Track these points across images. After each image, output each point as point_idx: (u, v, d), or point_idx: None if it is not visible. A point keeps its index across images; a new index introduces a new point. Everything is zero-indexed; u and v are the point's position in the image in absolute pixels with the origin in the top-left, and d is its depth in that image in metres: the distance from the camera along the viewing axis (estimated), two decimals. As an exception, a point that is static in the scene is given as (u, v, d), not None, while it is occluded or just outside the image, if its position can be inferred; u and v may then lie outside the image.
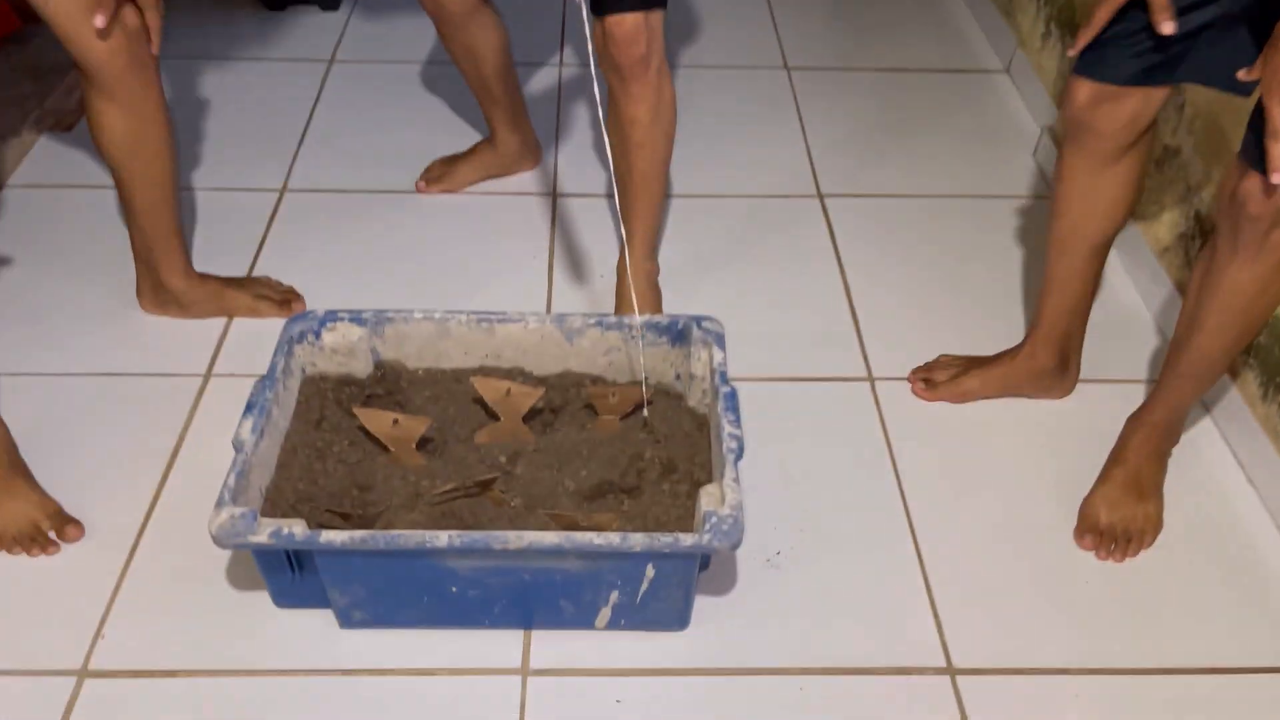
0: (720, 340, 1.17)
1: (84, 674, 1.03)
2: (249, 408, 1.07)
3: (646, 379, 1.21)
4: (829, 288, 1.52)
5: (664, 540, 0.97)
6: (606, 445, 1.16)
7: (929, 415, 1.33)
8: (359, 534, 0.96)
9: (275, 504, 1.07)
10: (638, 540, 0.97)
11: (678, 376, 1.21)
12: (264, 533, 0.96)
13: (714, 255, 1.58)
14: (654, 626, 1.09)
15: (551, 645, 1.07)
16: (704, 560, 1.11)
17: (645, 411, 1.18)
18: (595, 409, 1.17)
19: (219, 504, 0.98)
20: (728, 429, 1.07)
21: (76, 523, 1.15)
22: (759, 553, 1.17)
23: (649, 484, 1.12)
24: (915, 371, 1.37)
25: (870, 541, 1.18)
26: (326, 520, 1.05)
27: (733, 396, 1.11)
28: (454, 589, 1.03)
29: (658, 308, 1.42)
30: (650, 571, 1.02)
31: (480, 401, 1.16)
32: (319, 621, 1.08)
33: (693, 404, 1.20)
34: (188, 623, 1.08)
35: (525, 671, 1.05)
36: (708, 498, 1.01)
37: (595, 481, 1.12)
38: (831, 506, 1.22)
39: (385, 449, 1.13)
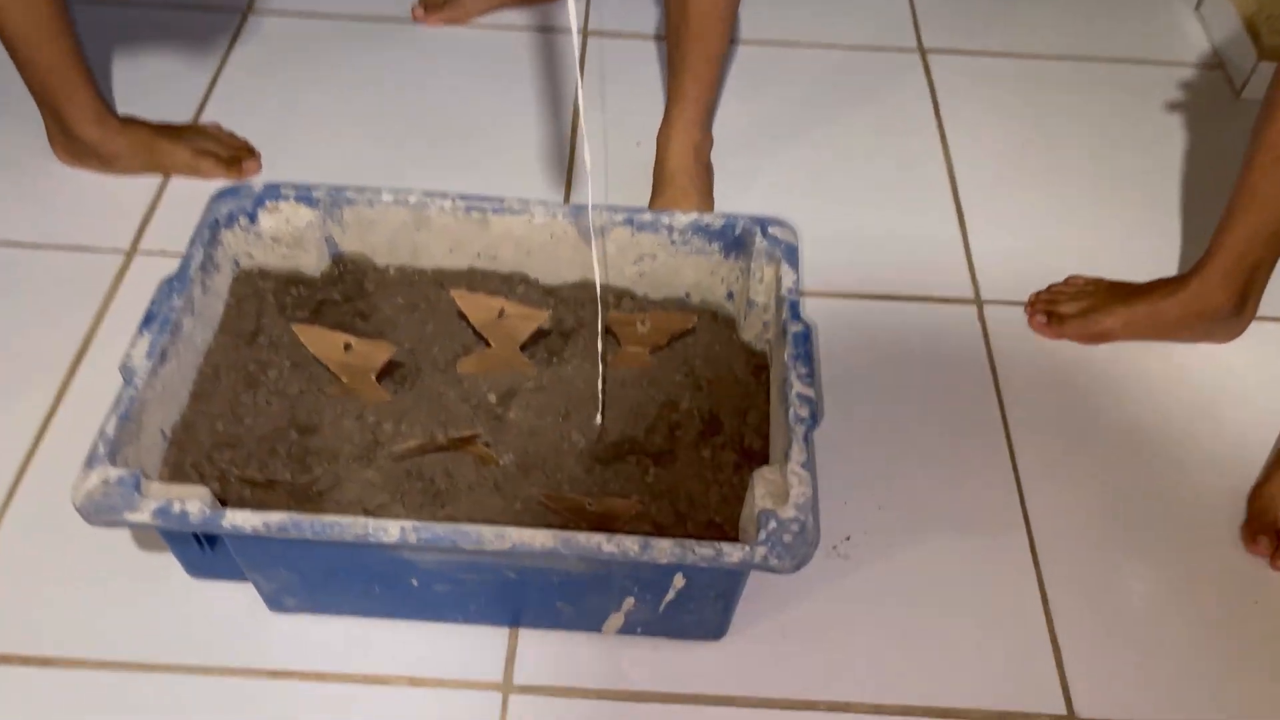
0: (792, 255, 0.86)
1: (-64, 654, 0.80)
2: (147, 320, 0.79)
3: (688, 297, 0.92)
4: (927, 174, 1.19)
5: (701, 552, 0.69)
6: (631, 388, 0.87)
7: (1051, 357, 1.03)
8: (278, 519, 0.69)
9: (184, 451, 0.80)
10: (664, 551, 0.69)
11: (730, 295, 0.91)
12: (146, 510, 0.69)
13: (783, 125, 1.24)
14: (680, 636, 0.82)
15: (543, 651, 0.82)
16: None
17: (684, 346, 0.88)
18: (618, 337, 0.88)
19: (89, 461, 0.71)
20: (797, 387, 0.77)
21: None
22: (825, 537, 0.89)
23: (684, 447, 0.83)
24: (1036, 298, 1.06)
25: (970, 530, 0.90)
26: (240, 489, 0.78)
27: (805, 338, 0.81)
28: (414, 581, 0.77)
29: (707, 194, 1.10)
30: (679, 581, 0.75)
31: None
32: (244, 598, 0.82)
33: (748, 338, 0.90)
34: (74, 591, 0.83)
35: (507, 687, 0.80)
36: (765, 487, 0.73)
37: (613, 438, 0.84)
38: (919, 478, 0.93)
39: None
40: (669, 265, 0.91)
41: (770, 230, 0.87)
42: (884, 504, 0.91)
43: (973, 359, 1.02)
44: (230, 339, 0.87)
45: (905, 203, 1.16)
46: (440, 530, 0.69)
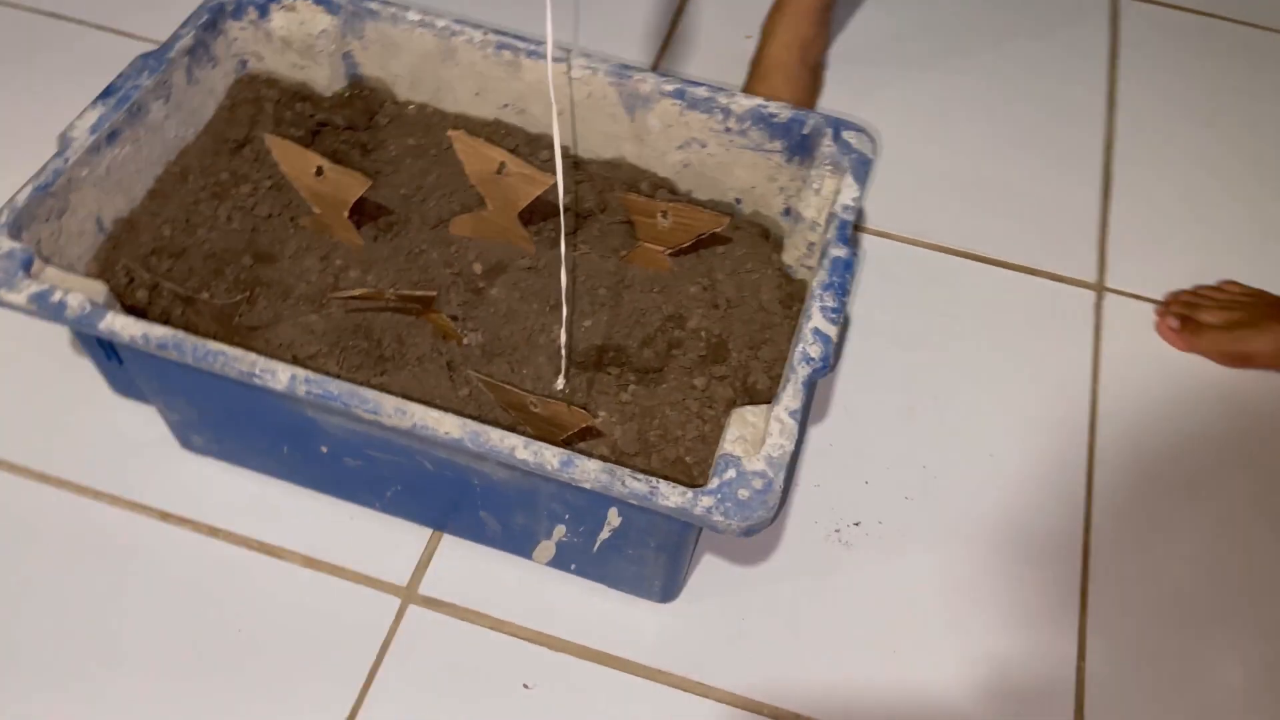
0: (863, 169, 0.70)
1: None
2: (105, 92, 0.70)
3: (739, 204, 0.77)
4: (1080, 129, 0.99)
5: (632, 485, 0.55)
6: (636, 290, 0.73)
7: (1173, 372, 0.83)
8: (160, 333, 0.59)
9: (119, 250, 0.71)
10: (587, 473, 0.56)
11: (788, 212, 0.76)
12: (24, 293, 0.60)
13: (924, 40, 1.06)
14: (619, 586, 0.69)
15: (462, 565, 0.70)
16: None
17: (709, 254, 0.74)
18: (635, 229, 0.74)
19: (-14, 228, 0.62)
20: (815, 320, 0.62)
21: None
22: (828, 516, 0.74)
23: (676, 370, 0.69)
24: (1174, 298, 0.86)
25: (1009, 554, 0.73)
26: (171, 304, 0.68)
27: (845, 267, 0.65)
28: (324, 449, 0.66)
29: (805, 101, 0.94)
30: (614, 519, 0.62)
31: (471, 172, 0.74)
32: (159, 430, 0.73)
33: (789, 260, 0.74)
34: (-4, 380, 0.76)
35: (410, 593, 0.69)
36: (740, 429, 0.58)
37: (598, 341, 0.71)
38: (967, 477, 0.76)
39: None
40: (719, 159, 0.76)
41: (844, 134, 0.71)
42: (914, 496, 0.75)
43: (1073, 354, 0.84)
44: (212, 143, 0.77)
45: (1043, 156, 0.97)
46: (334, 388, 0.58)
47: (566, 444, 0.63)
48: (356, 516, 0.71)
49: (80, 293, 0.60)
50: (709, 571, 0.71)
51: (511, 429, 0.63)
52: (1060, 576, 0.72)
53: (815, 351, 0.61)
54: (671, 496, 0.55)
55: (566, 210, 0.77)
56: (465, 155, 0.72)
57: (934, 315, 0.85)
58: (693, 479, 0.63)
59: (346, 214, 0.72)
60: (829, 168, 0.71)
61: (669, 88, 0.74)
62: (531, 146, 0.79)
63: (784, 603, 0.70)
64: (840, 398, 0.79)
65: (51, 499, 0.71)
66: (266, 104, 0.80)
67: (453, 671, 0.66)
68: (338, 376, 0.65)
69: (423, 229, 0.76)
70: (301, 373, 0.58)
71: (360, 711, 0.64)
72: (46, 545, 0.69)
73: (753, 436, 0.58)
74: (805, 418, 0.59)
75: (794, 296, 0.72)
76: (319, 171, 0.70)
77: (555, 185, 0.69)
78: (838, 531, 0.73)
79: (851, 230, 0.67)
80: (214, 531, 0.70)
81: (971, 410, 0.80)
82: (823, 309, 0.62)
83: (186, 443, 0.72)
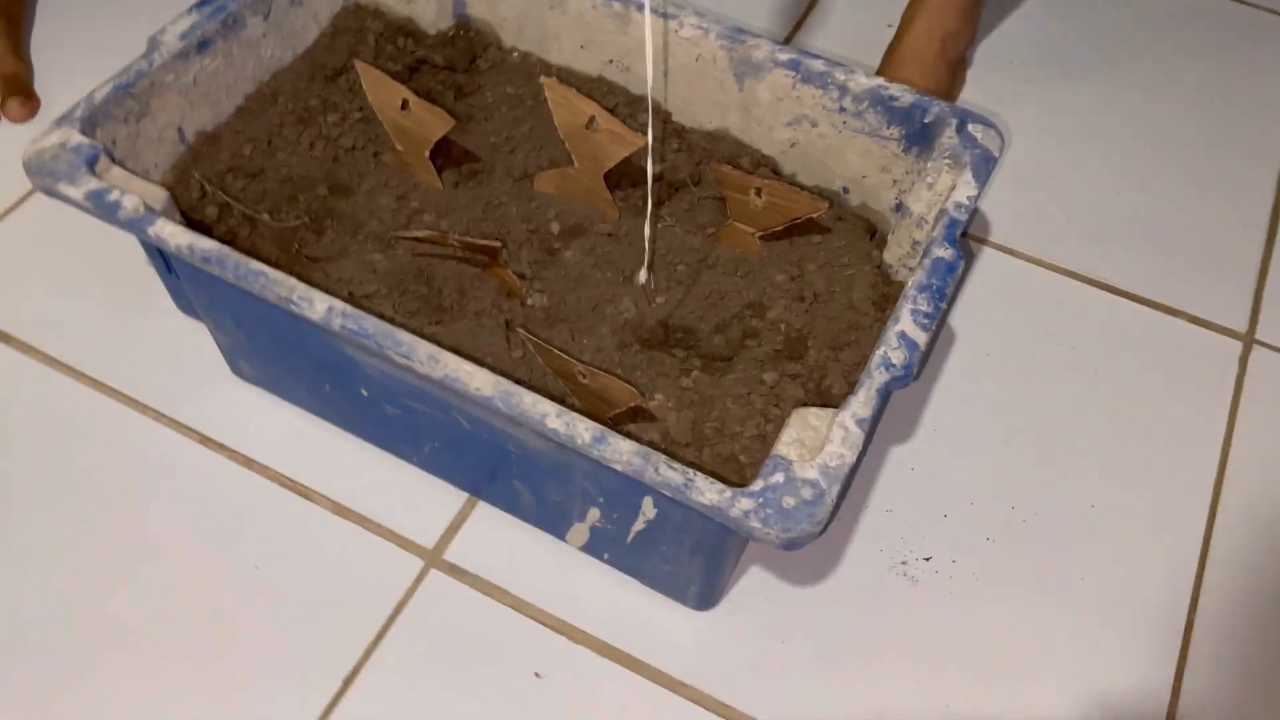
0: (984, 165, 0.63)
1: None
2: (203, 2, 0.68)
3: (846, 194, 0.70)
4: (1254, 168, 0.89)
5: (666, 473, 0.50)
6: (718, 270, 0.68)
7: (1324, 443, 0.73)
8: (205, 246, 0.56)
9: (198, 161, 0.69)
10: (619, 453, 0.50)
11: (898, 208, 0.69)
12: (83, 188, 0.58)
13: (1091, 49, 0.97)
14: (654, 585, 0.64)
15: (491, 537, 0.66)
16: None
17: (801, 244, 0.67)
18: (726, 206, 0.68)
19: (60, 119, 0.61)
20: (904, 324, 0.55)
21: (29, 99, 0.85)
22: (896, 545, 0.67)
23: (747, 361, 0.63)
24: (1336, 360, 0.76)
25: (1097, 615, 0.65)
26: (240, 224, 0.66)
27: (949, 271, 0.58)
28: (364, 392, 0.63)
29: (942, 96, 0.86)
30: (649, 509, 0.56)
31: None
32: (212, 355, 0.72)
33: (890, 259, 0.68)
34: (64, 283, 0.76)
35: (435, 558, 0.65)
36: (799, 430, 0.52)
37: (669, 319, 0.65)
38: (1066, 528, 0.68)
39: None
40: (830, 141, 0.70)
41: (970, 127, 0.64)
42: (996, 538, 0.67)
43: (1208, 407, 0.74)
44: (308, 68, 0.75)
45: (1203, 190, 0.87)
46: (370, 326, 0.54)
47: (614, 423, 0.58)
48: (393, 469, 0.68)
49: (139, 196, 0.58)
50: (754, 584, 0.64)
51: (560, 399, 0.58)
52: (1153, 658, 0.63)
53: (897, 358, 0.54)
54: (708, 492, 0.49)
55: (658, 179, 0.72)
56: (556, 105, 0.67)
57: (1050, 343, 0.77)
58: (744, 479, 0.58)
59: (428, 154, 0.69)
60: (947, 161, 0.63)
61: (784, 57, 0.68)
62: (632, 108, 0.75)
63: (833, 631, 0.63)
64: (931, 417, 0.72)
65: (99, 405, 0.70)
66: (369, 35, 0.77)
67: (465, 645, 0.62)
68: (390, 320, 0.62)
69: (506, 180, 0.72)
70: (339, 305, 0.55)
71: (363, 669, 0.60)
72: (86, 449, 0.68)
73: (811, 441, 0.52)
74: (873, 428, 0.52)
75: (890, 299, 0.65)
76: (404, 105, 0.67)
77: (646, 148, 0.64)
78: (904, 564, 0.66)
79: (962, 232, 0.60)
80: (249, 463, 0.68)
81: (1077, 452, 0.71)
82: (914, 312, 0.56)
83: (236, 369, 0.70)
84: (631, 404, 0.56)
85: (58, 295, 0.75)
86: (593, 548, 0.64)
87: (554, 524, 0.64)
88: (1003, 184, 0.85)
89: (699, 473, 0.50)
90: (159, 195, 0.60)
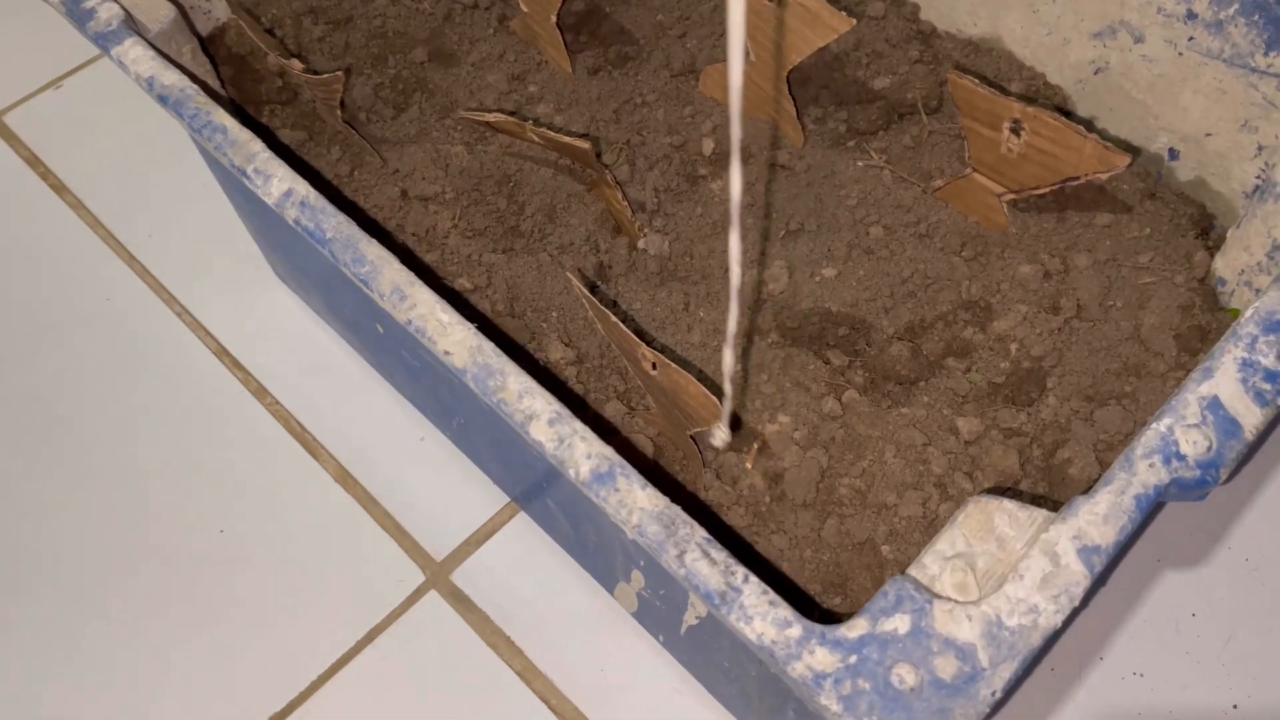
0: None
1: None
2: None
3: (1173, 157, 0.44)
4: None
5: (694, 568, 0.28)
6: (935, 244, 0.44)
7: None
8: (168, 80, 0.40)
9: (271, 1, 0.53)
10: (630, 511, 0.29)
11: (1258, 189, 0.41)
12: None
13: None
14: (723, 702, 0.42)
15: (520, 561, 0.46)
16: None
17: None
18: (968, 147, 0.44)
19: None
20: (1226, 378, 0.30)
21: None
22: (1119, 664, 0.41)
23: (938, 391, 0.39)
24: None
25: None
26: (298, 83, 0.50)
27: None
28: (379, 329, 0.45)
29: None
30: (699, 606, 0.34)
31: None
32: (288, 297, 0.56)
33: (1224, 269, 0.40)
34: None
35: (438, 575, 0.46)
36: (968, 538, 0.28)
37: (834, 304, 0.42)
38: None
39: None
40: (1160, 69, 0.43)
41: None
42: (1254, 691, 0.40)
43: None
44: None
45: None
46: (328, 226, 0.35)
47: (699, 446, 0.37)
48: (427, 439, 0.50)
49: (123, 6, 0.43)
50: None
51: (629, 400, 0.38)
52: None
53: (1191, 443, 0.28)
54: (757, 619, 0.27)
55: (878, 98, 0.48)
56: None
57: None
58: (865, 592, 0.34)
59: (554, 20, 0.50)
60: (1371, 115, 0.36)
61: (1106, -80, 0.42)
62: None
63: None
64: (1243, 534, 0.44)
65: (131, 286, 0.56)
66: None
67: (441, 704, 0.43)
68: (444, 236, 0.44)
69: (661, 73, 0.51)
70: (303, 190, 0.36)
71: (309, 700, 0.43)
72: (109, 334, 0.55)
73: (990, 563, 0.28)
74: (1113, 565, 0.28)
75: (1209, 336, 0.39)
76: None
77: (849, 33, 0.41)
78: (1124, 677, 0.40)
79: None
80: (261, 393, 0.52)
81: None
82: (1245, 365, 0.30)
83: (274, 267, 0.55)
84: (710, 422, 0.34)
85: (111, 160, 0.62)
86: (645, 619, 0.43)
87: (599, 569, 0.43)
88: None
89: (753, 577, 0.27)
90: (162, 10, 0.44)
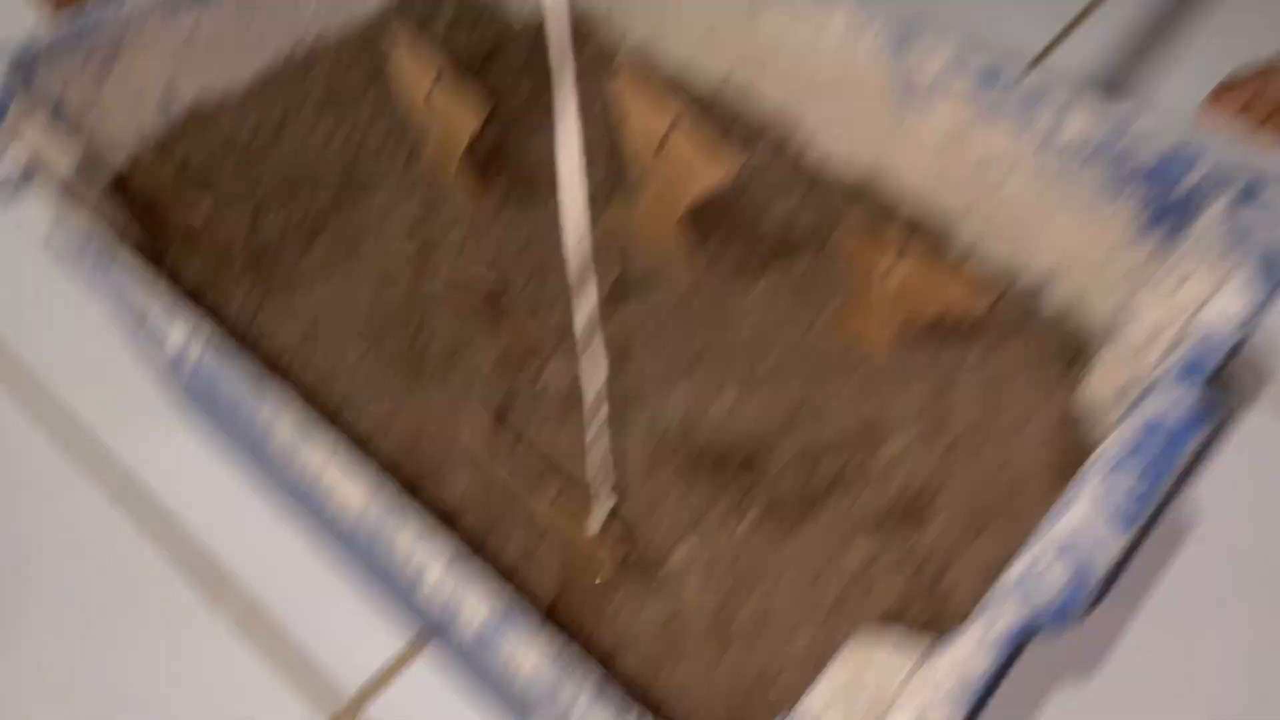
0: (1271, 271, 0.37)
1: None
2: (219, -61, 0.54)
3: (1043, 287, 0.47)
4: None
5: (590, 716, 0.28)
6: (826, 373, 0.46)
7: None
8: (75, 221, 0.41)
9: (186, 137, 0.54)
10: (520, 662, 0.29)
11: (1119, 317, 0.44)
12: (-33, 140, 0.44)
13: None
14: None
15: (433, 701, 0.46)
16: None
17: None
18: (854, 276, 0.46)
19: (-11, 55, 0.47)
20: (1084, 509, 0.31)
21: None
22: None
23: (834, 516, 0.41)
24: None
25: None
26: (219, 219, 0.51)
27: (1183, 429, 0.33)
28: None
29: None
30: (598, 742, 0.35)
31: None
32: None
33: (1094, 394, 0.43)
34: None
35: (341, 717, 0.46)
36: (850, 673, 0.29)
37: (731, 433, 0.44)
38: None
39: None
40: (1029, 200, 0.46)
41: (1262, 195, 0.39)
42: None
43: None
44: (356, 44, 0.59)
45: None
46: (224, 383, 0.36)
47: (606, 585, 0.38)
48: (333, 573, 0.50)
49: (34, 152, 0.43)
50: None
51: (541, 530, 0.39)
52: None
53: (1054, 576, 0.30)
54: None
55: (771, 232, 0.50)
56: (631, 111, 0.48)
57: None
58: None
59: (459, 158, 0.51)
60: (1206, 254, 0.39)
61: (968, 73, 0.45)
62: (752, 141, 0.54)
63: None
64: (1127, 652, 0.46)
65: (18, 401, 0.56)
66: (440, 18, 0.61)
67: None
68: (350, 372, 0.45)
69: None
70: (204, 339, 0.37)
71: None
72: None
73: (868, 702, 0.29)
74: (985, 699, 0.29)
75: (1067, 461, 0.41)
76: (439, 78, 0.50)
77: (736, 176, 0.44)
78: None
79: (1217, 368, 0.35)
80: (168, 517, 0.51)
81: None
82: (1106, 492, 0.32)
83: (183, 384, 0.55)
84: (598, 560, 0.35)
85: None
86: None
87: (519, 708, 0.43)
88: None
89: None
90: (63, 157, 0.45)
